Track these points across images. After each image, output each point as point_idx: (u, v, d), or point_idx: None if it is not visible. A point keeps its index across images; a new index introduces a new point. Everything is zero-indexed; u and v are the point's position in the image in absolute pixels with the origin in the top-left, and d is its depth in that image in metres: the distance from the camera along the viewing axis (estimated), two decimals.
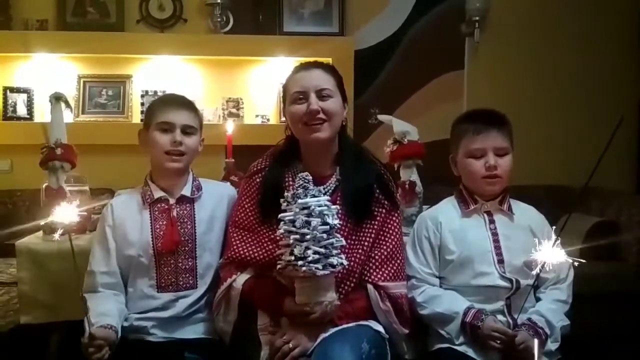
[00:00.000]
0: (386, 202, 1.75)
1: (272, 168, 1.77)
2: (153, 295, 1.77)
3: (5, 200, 3.27)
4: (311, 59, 1.82)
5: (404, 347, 1.76)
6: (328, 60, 3.01)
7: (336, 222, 1.53)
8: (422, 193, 2.15)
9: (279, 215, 1.54)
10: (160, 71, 3.57)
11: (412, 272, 1.82)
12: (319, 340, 1.56)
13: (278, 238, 1.56)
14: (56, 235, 1.52)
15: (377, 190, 1.75)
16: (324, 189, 1.68)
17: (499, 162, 1.78)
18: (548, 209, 1.89)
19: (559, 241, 1.56)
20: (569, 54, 3.81)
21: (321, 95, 1.68)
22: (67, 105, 2.15)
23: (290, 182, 1.71)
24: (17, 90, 3.44)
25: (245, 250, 1.72)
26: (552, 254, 1.54)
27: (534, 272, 1.54)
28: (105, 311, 1.67)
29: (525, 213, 1.85)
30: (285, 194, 1.57)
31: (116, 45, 3.47)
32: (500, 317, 1.72)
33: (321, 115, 1.67)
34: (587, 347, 2.15)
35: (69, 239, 1.50)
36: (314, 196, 1.52)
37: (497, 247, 1.78)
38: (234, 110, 3.57)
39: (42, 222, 1.70)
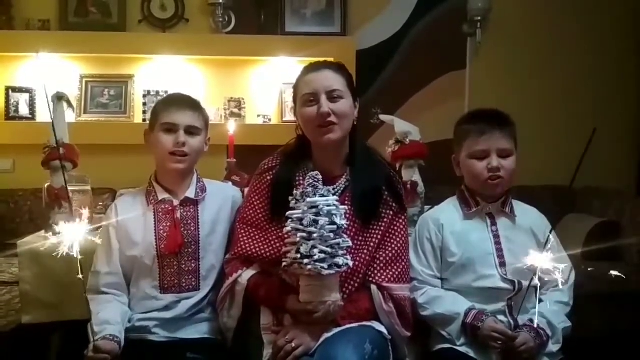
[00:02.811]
0: (394, 205, 1.75)
1: (283, 166, 1.76)
2: (156, 296, 1.77)
3: (7, 199, 3.28)
4: (313, 59, 1.82)
5: (405, 350, 1.76)
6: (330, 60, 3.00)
7: (344, 222, 1.53)
8: (424, 193, 2.14)
9: (287, 213, 1.54)
10: (162, 71, 3.57)
11: (414, 274, 1.81)
12: (321, 340, 1.56)
13: (285, 235, 1.56)
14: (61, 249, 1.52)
15: (386, 192, 1.75)
16: (333, 189, 1.67)
17: (502, 164, 1.77)
18: (549, 209, 1.89)
19: (550, 245, 1.57)
20: (571, 54, 3.81)
21: (332, 96, 1.68)
22: (69, 105, 2.15)
23: (301, 181, 1.71)
24: (20, 90, 3.44)
25: (253, 247, 1.72)
26: (544, 259, 1.55)
27: (535, 281, 1.54)
28: (109, 319, 1.66)
29: (527, 214, 1.85)
30: (295, 192, 1.57)
31: (118, 45, 3.47)
32: (501, 317, 1.72)
33: (332, 118, 1.66)
34: (588, 347, 2.15)
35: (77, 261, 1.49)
36: (322, 196, 1.52)
37: (499, 250, 1.78)
38: (235, 110, 3.57)
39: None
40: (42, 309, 1.95)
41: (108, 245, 1.78)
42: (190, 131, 1.79)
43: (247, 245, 1.72)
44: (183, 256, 1.78)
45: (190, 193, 1.83)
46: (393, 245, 1.72)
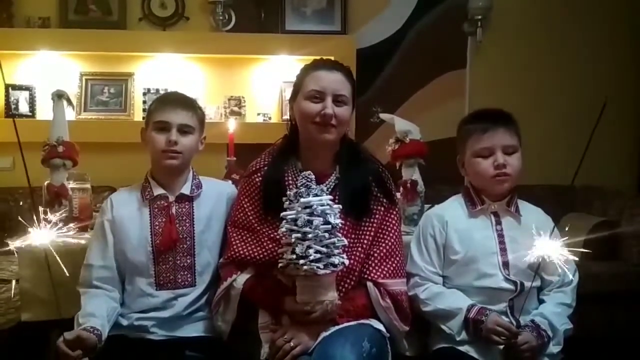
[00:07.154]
0: (384, 200, 1.75)
1: (272, 166, 1.77)
2: (151, 293, 1.76)
3: (7, 197, 3.28)
4: (313, 58, 1.81)
5: (404, 345, 1.76)
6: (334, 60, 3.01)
7: (338, 221, 1.53)
8: (424, 192, 2.14)
9: (282, 214, 1.54)
10: (162, 69, 3.57)
11: (416, 270, 1.81)
12: (319, 338, 1.56)
13: (280, 237, 1.56)
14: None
15: (375, 188, 1.75)
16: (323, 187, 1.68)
17: (508, 161, 1.76)
18: (549, 208, 1.89)
19: (558, 237, 1.56)
20: (571, 53, 3.80)
21: (337, 100, 1.68)
22: (69, 102, 2.15)
23: (290, 181, 1.71)
24: (19, 88, 3.44)
25: (245, 250, 1.72)
26: (551, 249, 1.55)
27: (536, 272, 1.54)
28: (93, 311, 1.66)
29: (532, 215, 1.84)
30: (288, 192, 1.57)
31: (118, 43, 3.46)
32: (503, 317, 1.71)
33: (333, 121, 1.67)
34: (588, 347, 2.15)
35: (46, 259, 1.50)
36: (316, 195, 1.52)
37: (503, 249, 1.77)
38: (235, 109, 3.57)
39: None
40: (42, 306, 1.95)
41: (102, 238, 1.78)
42: (183, 130, 1.79)
43: (240, 249, 1.73)
44: (178, 252, 1.78)
45: (186, 189, 1.83)
46: (387, 241, 1.73)
